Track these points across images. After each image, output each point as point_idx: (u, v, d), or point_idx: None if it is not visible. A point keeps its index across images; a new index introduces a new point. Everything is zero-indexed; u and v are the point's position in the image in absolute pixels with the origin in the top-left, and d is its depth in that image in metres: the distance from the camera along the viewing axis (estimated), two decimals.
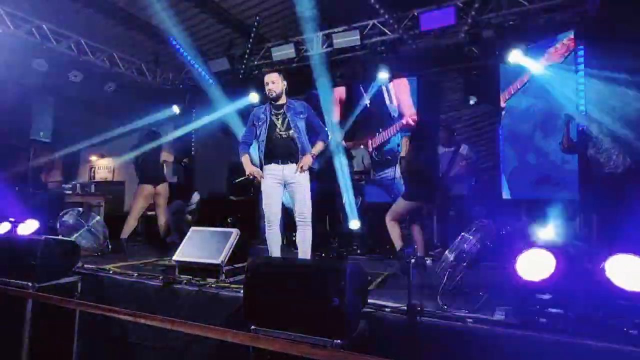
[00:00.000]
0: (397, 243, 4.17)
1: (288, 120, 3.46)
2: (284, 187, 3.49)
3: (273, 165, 3.46)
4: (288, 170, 3.44)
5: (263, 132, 3.47)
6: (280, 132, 3.46)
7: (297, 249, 3.50)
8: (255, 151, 3.65)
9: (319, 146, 3.55)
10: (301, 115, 3.52)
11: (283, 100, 3.51)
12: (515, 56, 5.12)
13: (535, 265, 2.20)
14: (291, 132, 3.45)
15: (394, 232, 4.18)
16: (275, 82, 3.44)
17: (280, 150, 3.45)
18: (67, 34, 6.28)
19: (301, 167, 3.41)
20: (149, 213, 5.50)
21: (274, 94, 3.44)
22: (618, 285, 1.96)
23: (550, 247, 2.23)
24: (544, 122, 5.78)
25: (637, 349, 1.81)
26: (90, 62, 6.66)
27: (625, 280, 1.96)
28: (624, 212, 3.98)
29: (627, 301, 1.95)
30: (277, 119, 3.48)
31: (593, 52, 4.97)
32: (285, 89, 3.52)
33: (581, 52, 5.16)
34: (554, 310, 2.13)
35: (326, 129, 3.72)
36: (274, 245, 3.46)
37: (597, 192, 4.34)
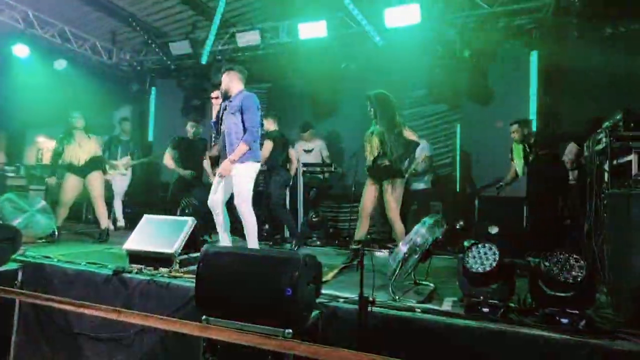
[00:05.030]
0: None
1: (223, 116, 3.53)
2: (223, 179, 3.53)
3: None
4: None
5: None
6: (223, 128, 3.55)
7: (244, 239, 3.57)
8: None
9: (238, 150, 3.34)
10: (232, 110, 3.42)
11: (233, 94, 3.52)
12: None
13: (481, 258, 2.32)
14: (224, 128, 3.49)
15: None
16: (223, 81, 3.55)
17: (221, 147, 3.57)
18: (12, 3, 5.81)
19: (220, 174, 3.44)
20: None
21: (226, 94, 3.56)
22: (552, 277, 2.10)
23: (495, 241, 2.37)
24: None
25: (563, 336, 1.95)
26: (38, 36, 6.20)
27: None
28: (568, 208, 4.26)
29: (559, 292, 2.09)
30: (222, 114, 3.58)
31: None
32: (242, 81, 3.56)
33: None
34: (496, 301, 2.25)
35: (256, 129, 3.45)
36: (221, 230, 3.58)
37: (547, 190, 4.59)
